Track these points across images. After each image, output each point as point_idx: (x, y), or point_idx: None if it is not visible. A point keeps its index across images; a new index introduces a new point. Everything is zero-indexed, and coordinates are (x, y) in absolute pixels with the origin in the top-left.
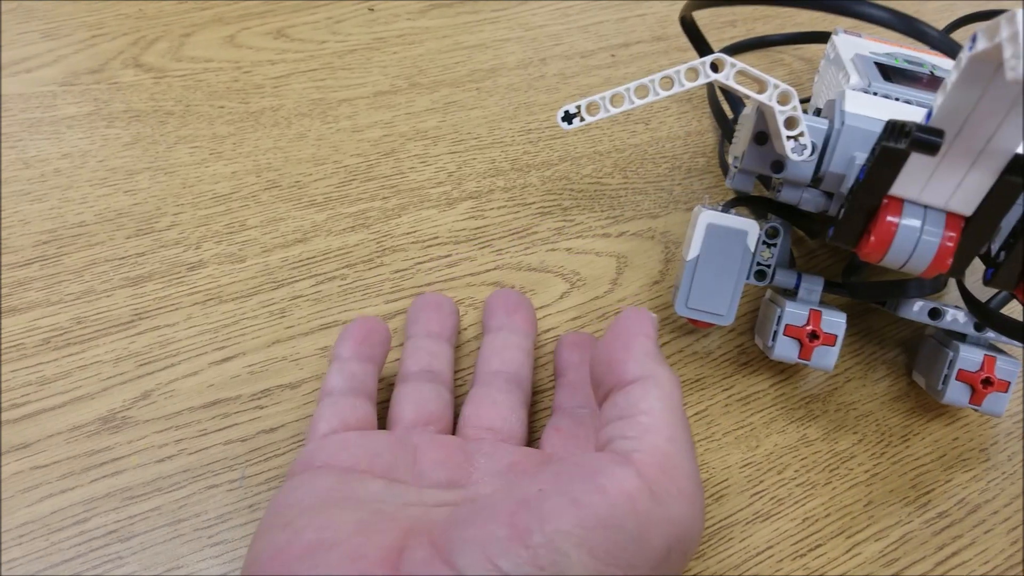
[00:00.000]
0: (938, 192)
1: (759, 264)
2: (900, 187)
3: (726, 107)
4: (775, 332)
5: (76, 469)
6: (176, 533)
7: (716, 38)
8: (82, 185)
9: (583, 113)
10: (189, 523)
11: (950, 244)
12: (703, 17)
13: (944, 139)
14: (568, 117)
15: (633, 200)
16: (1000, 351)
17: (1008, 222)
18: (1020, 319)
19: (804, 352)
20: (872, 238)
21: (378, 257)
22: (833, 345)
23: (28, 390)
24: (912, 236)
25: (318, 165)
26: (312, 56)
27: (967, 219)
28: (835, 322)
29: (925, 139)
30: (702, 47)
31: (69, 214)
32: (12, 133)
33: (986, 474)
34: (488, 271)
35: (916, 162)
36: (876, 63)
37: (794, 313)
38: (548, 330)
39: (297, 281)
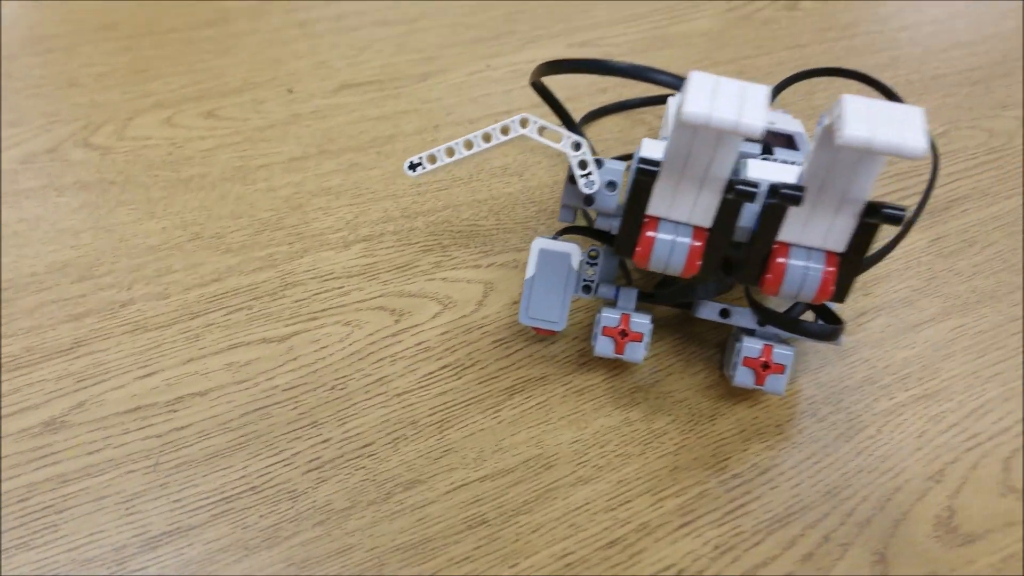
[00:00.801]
0: (682, 210)
1: (584, 280)
2: (655, 208)
3: None
4: (596, 333)
5: (21, 461)
6: (100, 507)
7: (588, 103)
8: (35, 244)
9: (424, 163)
10: (111, 499)
11: (697, 250)
12: (579, 87)
13: (667, 170)
14: (413, 166)
15: (503, 238)
16: (782, 341)
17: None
18: (795, 316)
19: (618, 348)
20: (639, 248)
21: (281, 291)
22: (640, 341)
23: None
24: (666, 246)
25: (236, 219)
26: (237, 131)
27: (709, 230)
28: (641, 323)
29: (646, 169)
30: (555, 105)
31: (24, 266)
32: None
33: (778, 444)
34: (374, 298)
35: (661, 188)
36: None
37: (609, 317)
38: (420, 343)
39: (211, 312)
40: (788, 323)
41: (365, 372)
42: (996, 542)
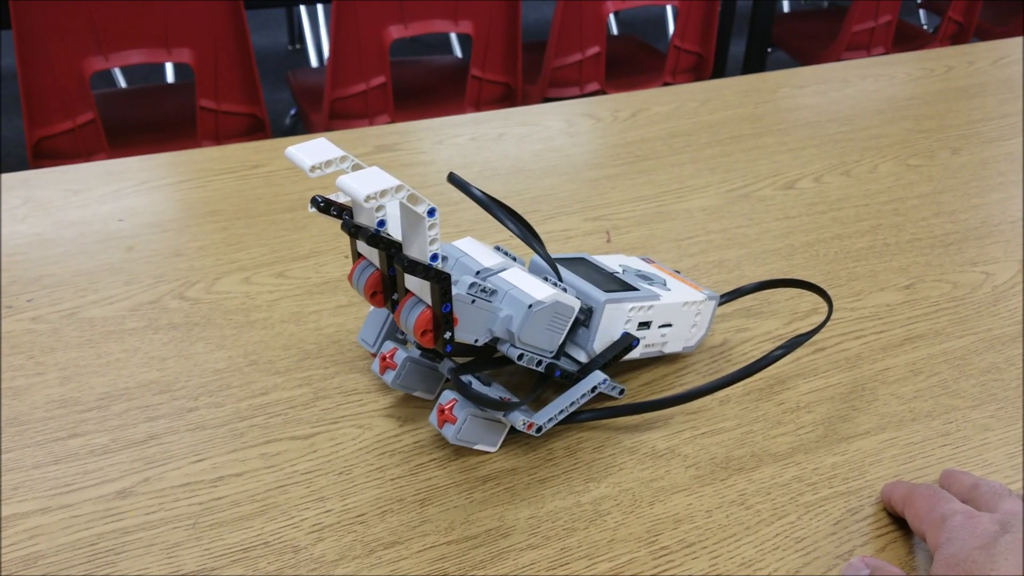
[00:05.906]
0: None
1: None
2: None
3: None
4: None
5: (95, 518)
6: (148, 552)
7: None
8: (131, 367)
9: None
10: (157, 546)
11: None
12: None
13: None
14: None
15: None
16: (484, 410)
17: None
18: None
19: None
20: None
21: (312, 402)
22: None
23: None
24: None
25: (286, 350)
26: (298, 287)
27: None
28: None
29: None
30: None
31: (120, 383)
32: (93, 340)
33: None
34: (385, 408)
35: None
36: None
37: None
38: (417, 442)
39: (255, 417)
40: (467, 393)
41: (368, 462)
42: None
